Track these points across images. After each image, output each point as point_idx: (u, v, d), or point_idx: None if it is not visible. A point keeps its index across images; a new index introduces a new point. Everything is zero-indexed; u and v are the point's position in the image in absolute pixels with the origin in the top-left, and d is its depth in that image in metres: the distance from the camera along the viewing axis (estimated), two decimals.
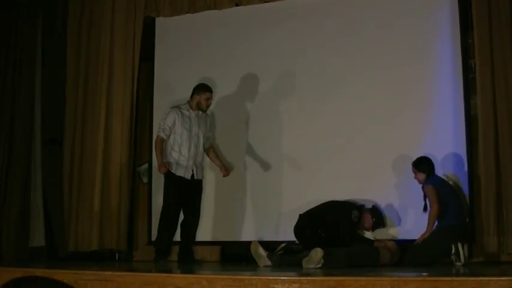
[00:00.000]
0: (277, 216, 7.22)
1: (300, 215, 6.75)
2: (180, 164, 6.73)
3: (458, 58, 6.76)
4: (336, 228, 6.55)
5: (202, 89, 6.88)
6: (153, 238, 7.34)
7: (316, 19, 7.40)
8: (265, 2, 7.63)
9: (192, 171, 6.77)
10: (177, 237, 6.88)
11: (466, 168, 6.58)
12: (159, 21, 8.14)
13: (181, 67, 7.87)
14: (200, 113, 6.89)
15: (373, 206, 6.78)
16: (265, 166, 7.37)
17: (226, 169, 7.05)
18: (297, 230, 6.71)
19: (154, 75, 8.04)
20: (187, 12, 7.94)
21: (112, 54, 8.02)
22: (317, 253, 5.80)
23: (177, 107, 6.87)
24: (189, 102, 6.90)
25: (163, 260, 6.76)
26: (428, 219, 6.17)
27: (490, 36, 6.51)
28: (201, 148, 6.89)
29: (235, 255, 7.16)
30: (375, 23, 7.15)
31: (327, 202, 6.78)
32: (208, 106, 6.92)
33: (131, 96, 7.90)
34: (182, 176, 6.72)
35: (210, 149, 7.08)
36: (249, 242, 6.39)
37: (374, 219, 6.70)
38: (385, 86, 6.99)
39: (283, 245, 6.46)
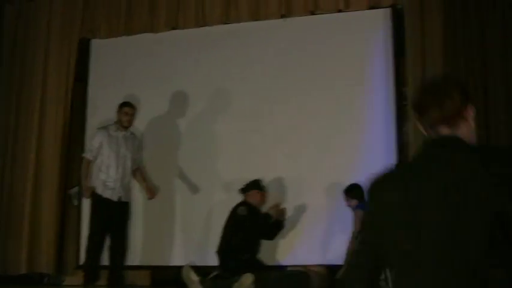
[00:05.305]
0: (208, 240, 7.06)
1: (216, 253, 6.42)
2: (108, 186, 6.64)
3: (392, 85, 6.88)
4: (246, 238, 6.33)
5: (120, 104, 6.85)
6: (82, 262, 7.19)
7: (252, 43, 7.46)
8: (201, 26, 7.63)
9: (119, 193, 6.68)
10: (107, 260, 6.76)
11: None
12: (95, 43, 8.04)
13: (115, 88, 7.72)
14: (128, 133, 6.84)
15: (243, 185, 6.58)
16: (194, 189, 7.28)
17: (152, 191, 6.98)
18: (223, 268, 6.32)
19: (88, 96, 7.92)
20: (123, 35, 7.89)
21: (45, 75, 7.90)
22: (247, 279, 5.79)
23: (105, 128, 6.81)
24: (115, 122, 6.85)
25: (92, 284, 6.63)
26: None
27: (422, 63, 6.66)
28: (128, 169, 6.81)
29: (166, 280, 7.06)
30: (311, 50, 7.22)
31: (223, 226, 6.46)
32: (129, 121, 6.83)
33: (63, 118, 7.78)
34: (109, 197, 6.63)
35: (137, 171, 7.02)
36: (180, 267, 6.32)
37: (256, 189, 6.55)
38: (320, 112, 7.05)
39: (215, 272, 6.37)
